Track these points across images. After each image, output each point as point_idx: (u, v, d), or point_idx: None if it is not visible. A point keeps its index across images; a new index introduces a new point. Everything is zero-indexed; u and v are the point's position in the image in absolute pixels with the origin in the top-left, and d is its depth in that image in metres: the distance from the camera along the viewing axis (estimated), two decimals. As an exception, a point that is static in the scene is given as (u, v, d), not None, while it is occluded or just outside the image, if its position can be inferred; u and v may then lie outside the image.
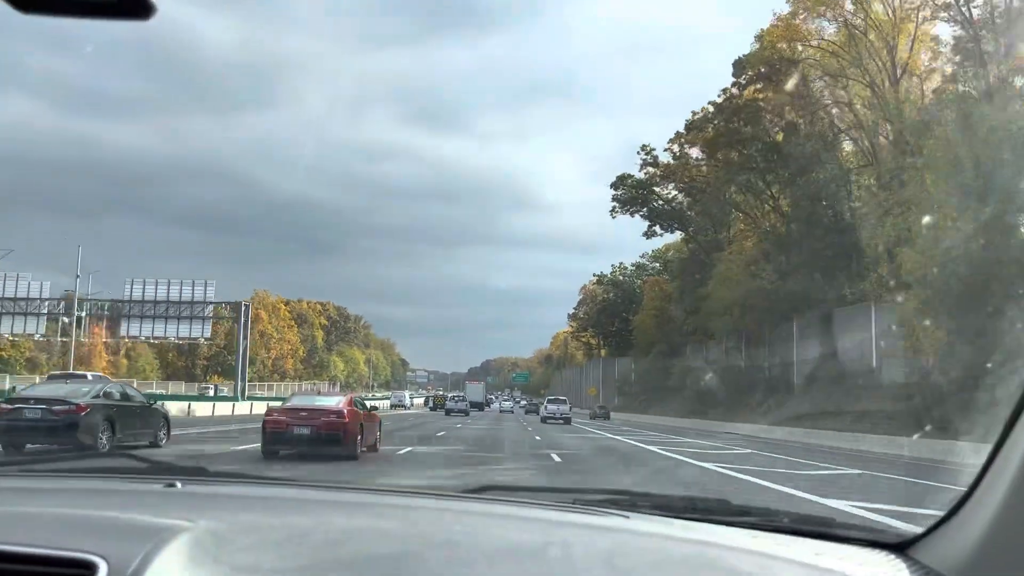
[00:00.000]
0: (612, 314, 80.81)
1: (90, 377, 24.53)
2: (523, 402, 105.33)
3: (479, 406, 73.32)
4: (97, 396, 14.85)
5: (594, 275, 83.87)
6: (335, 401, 15.91)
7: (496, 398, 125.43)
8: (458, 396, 64.28)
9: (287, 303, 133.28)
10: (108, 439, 14.36)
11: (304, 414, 14.86)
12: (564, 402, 46.87)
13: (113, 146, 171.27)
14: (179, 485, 1.42)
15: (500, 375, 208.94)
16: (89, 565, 0.86)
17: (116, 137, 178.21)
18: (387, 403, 71.72)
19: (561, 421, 42.59)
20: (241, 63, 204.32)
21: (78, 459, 2.61)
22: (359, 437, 15.14)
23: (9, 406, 14.44)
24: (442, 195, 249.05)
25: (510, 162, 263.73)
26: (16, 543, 0.89)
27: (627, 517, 1.40)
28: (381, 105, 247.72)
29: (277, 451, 14.85)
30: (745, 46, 45.56)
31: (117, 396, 15.56)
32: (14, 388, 28.85)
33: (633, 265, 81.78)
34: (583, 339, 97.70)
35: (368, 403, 19.02)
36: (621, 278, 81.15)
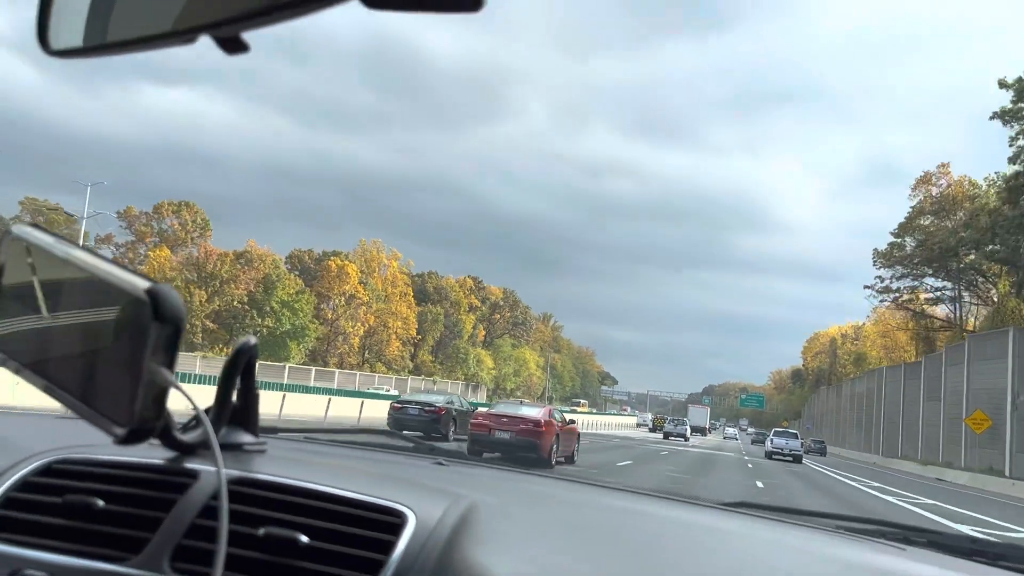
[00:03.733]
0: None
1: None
2: (750, 431, 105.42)
3: (701, 431, 77.06)
4: (448, 403, 22.17)
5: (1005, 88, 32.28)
6: (535, 411, 17.27)
7: (719, 424, 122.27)
8: (677, 419, 63.49)
9: (410, 272, 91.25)
10: (451, 432, 21.12)
11: (506, 420, 16.50)
12: (794, 436, 41.32)
13: (350, 160, 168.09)
14: (445, 463, 1.57)
15: (725, 401, 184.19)
16: (399, 514, 0.95)
17: (352, 151, 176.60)
18: (634, 420, 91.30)
19: (789, 459, 37.72)
20: (467, 76, 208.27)
21: (359, 433, 1.93)
22: (554, 447, 16.46)
23: (399, 405, 22.12)
24: (665, 213, 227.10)
25: (740, 178, 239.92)
26: (341, 487, 0.99)
27: (903, 550, 1.32)
28: (603, 116, 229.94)
29: (480, 452, 15.56)
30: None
31: (456, 403, 22.85)
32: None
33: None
34: (914, 305, 45.35)
35: (567, 415, 20.62)
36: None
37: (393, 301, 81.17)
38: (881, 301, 49.39)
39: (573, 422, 19.14)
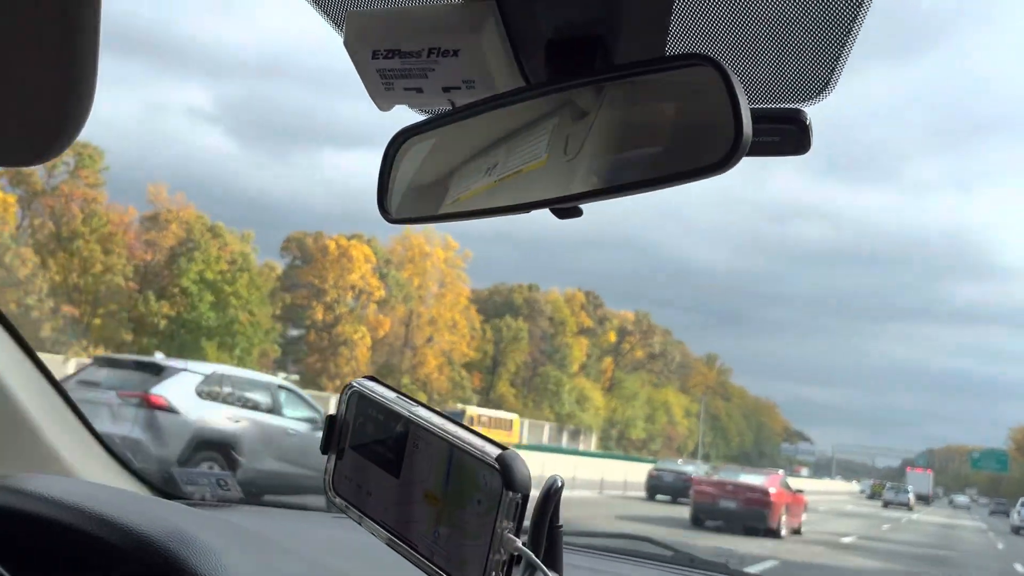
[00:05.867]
0: None
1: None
2: (982, 501, 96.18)
3: (924, 499, 67.91)
4: (697, 471, 23.76)
5: None
6: (761, 480, 17.08)
7: (940, 493, 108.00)
8: (898, 486, 59.18)
9: (474, 294, 67.67)
10: None
11: (730, 488, 16.25)
12: None
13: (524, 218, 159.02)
14: None
15: (949, 466, 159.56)
16: None
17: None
18: (848, 487, 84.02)
19: None
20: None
21: (611, 538, 2.22)
22: (783, 518, 16.09)
23: (655, 472, 26.66)
24: (864, 259, 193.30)
25: (949, 217, 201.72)
26: None
27: None
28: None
29: (703, 521, 16.43)
30: None
31: (703, 472, 23.36)
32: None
33: None
34: None
35: (793, 486, 19.67)
36: None
37: (439, 304, 57.34)
38: None
39: (800, 491, 19.19)
